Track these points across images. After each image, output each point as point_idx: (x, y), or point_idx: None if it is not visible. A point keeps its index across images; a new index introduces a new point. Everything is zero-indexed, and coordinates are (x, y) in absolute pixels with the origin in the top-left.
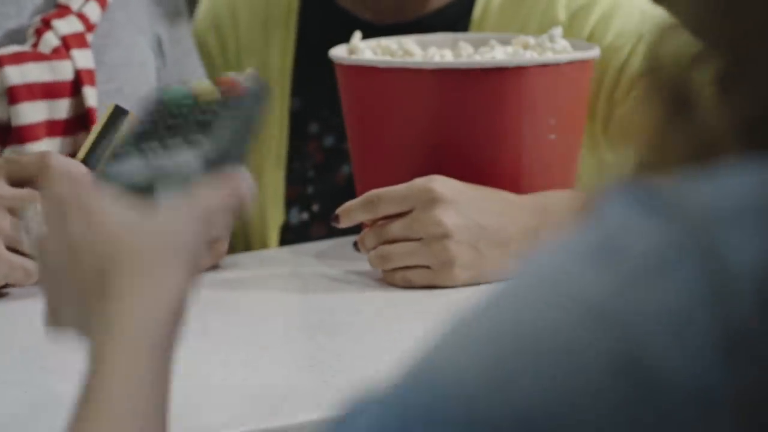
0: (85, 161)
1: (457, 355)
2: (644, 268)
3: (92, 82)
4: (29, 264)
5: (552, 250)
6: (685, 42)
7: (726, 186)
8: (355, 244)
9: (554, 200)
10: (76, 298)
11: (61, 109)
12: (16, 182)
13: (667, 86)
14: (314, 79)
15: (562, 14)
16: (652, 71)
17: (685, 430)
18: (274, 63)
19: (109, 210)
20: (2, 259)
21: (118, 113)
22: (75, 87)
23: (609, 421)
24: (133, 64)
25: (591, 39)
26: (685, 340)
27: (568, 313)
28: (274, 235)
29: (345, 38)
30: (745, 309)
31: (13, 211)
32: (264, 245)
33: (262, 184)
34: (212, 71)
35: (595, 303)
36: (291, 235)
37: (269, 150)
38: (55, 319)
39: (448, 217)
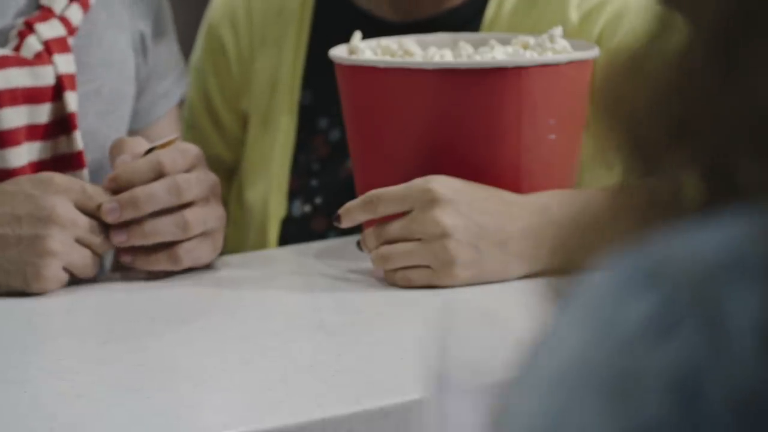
0: None
1: None
2: (642, 332)
3: (73, 87)
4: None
5: (552, 325)
6: (670, 44)
7: (713, 239)
8: (359, 243)
9: (554, 200)
10: None
11: (42, 113)
12: (85, 212)
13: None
14: (326, 74)
15: (574, 15)
16: (633, 66)
17: None
18: (286, 56)
19: None
20: (60, 283)
21: None
22: (56, 92)
23: None
24: (113, 64)
25: (601, 38)
26: (691, 404)
27: (570, 391)
28: (275, 227)
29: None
30: (748, 368)
31: (81, 240)
32: (264, 237)
33: (267, 175)
34: (226, 64)
35: (594, 374)
36: (292, 228)
37: (276, 142)
38: None
39: (447, 217)
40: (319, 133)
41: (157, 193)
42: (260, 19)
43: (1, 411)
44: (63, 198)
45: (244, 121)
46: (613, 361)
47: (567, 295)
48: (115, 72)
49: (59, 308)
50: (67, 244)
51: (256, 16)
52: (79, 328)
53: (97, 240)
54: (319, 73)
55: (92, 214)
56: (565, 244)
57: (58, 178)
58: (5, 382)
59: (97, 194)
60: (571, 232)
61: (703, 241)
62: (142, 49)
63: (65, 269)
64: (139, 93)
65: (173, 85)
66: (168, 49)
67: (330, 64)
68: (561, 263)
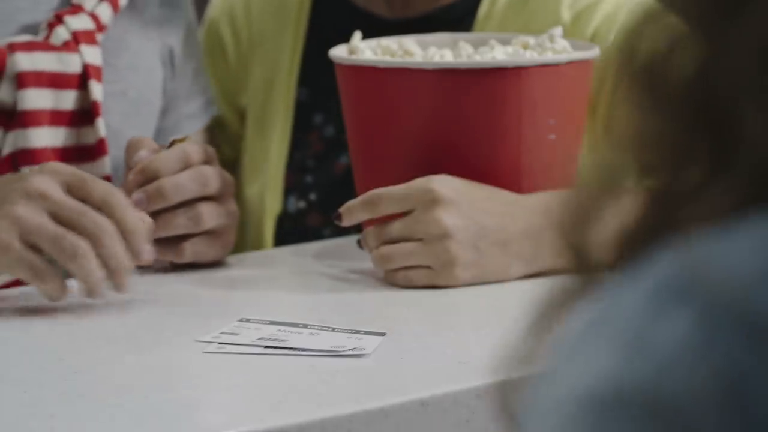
0: None
1: None
2: (681, 353)
3: (98, 78)
4: (39, 264)
5: (574, 342)
6: (663, 31)
7: (747, 246)
8: (359, 242)
9: (555, 200)
10: None
11: (67, 100)
12: (74, 195)
13: (641, 76)
14: (323, 71)
15: (566, 14)
16: (627, 60)
17: None
18: (284, 53)
19: None
20: (12, 252)
21: None
22: (82, 80)
23: None
24: (140, 69)
25: (595, 38)
26: (745, 415)
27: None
28: (270, 223)
29: (354, 31)
30: None
31: (55, 217)
32: (260, 234)
33: (263, 172)
34: (225, 61)
35: (630, 401)
36: (287, 224)
37: (273, 139)
38: None
39: (448, 217)
40: (314, 129)
41: (184, 183)
42: (258, 16)
43: (1, 411)
44: (46, 176)
45: (243, 119)
46: (650, 385)
47: (587, 306)
48: (141, 77)
49: (59, 308)
50: (35, 212)
51: (255, 13)
52: (80, 327)
53: (75, 217)
54: (315, 70)
55: (81, 198)
56: (568, 243)
57: (53, 163)
58: (5, 382)
59: (89, 178)
60: (572, 231)
61: (738, 249)
62: (170, 63)
63: (33, 247)
64: (165, 110)
65: (200, 111)
66: (194, 74)
67: (327, 61)
68: (565, 263)
